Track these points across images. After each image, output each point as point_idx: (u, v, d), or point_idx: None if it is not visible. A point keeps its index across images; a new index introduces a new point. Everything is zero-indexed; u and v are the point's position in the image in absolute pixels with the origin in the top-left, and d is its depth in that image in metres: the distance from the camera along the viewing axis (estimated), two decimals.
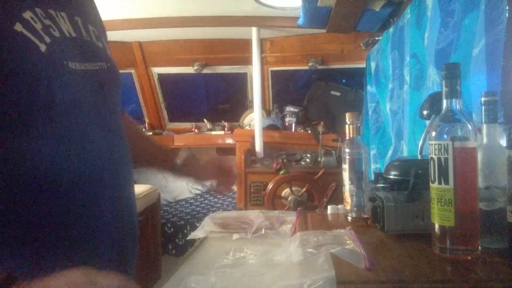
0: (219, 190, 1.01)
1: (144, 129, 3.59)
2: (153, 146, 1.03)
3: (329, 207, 1.17)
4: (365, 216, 1.00)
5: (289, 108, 3.19)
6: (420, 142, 1.10)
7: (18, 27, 0.57)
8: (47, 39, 0.61)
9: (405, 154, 1.75)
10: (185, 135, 3.58)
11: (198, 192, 3.79)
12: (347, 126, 1.05)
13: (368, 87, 2.56)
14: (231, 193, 1.03)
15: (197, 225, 1.35)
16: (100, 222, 0.68)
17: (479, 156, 0.73)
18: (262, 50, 2.97)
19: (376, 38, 2.37)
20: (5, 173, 0.58)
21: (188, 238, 0.99)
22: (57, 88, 0.61)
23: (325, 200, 2.43)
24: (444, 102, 0.71)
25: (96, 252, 0.68)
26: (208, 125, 3.63)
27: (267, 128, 2.98)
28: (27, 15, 0.60)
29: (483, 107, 0.76)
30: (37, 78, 0.59)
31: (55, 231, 0.62)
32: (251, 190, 2.73)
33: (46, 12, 0.64)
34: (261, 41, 2.91)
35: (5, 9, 0.57)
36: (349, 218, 1.02)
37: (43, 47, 0.60)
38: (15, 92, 0.58)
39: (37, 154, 0.60)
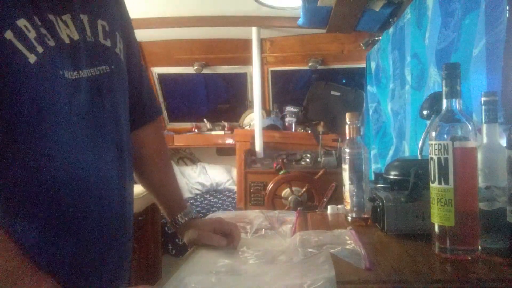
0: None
1: None
2: (170, 184, 0.94)
3: (329, 207, 1.17)
4: (365, 216, 1.00)
5: (289, 108, 3.19)
6: (420, 142, 1.10)
7: (8, 35, 0.56)
8: (39, 49, 0.59)
9: (406, 154, 1.75)
10: (185, 135, 3.58)
11: (198, 192, 3.80)
12: (347, 126, 1.05)
13: (369, 87, 2.56)
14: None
15: None
16: (85, 235, 0.68)
17: (479, 156, 0.73)
18: (262, 50, 2.97)
19: (376, 38, 2.37)
20: None
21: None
22: (45, 101, 0.60)
23: (325, 200, 2.43)
24: (444, 102, 0.71)
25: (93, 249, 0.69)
26: (208, 125, 3.63)
27: (267, 128, 2.98)
28: (21, 23, 0.58)
29: (483, 107, 0.76)
30: (23, 90, 0.58)
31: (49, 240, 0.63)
32: (251, 190, 2.73)
33: (45, 18, 0.62)
34: (261, 41, 2.91)
35: None
36: (349, 218, 1.02)
37: (32, 58, 0.58)
38: (1, 102, 0.57)
39: (23, 169, 0.60)
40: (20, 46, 0.57)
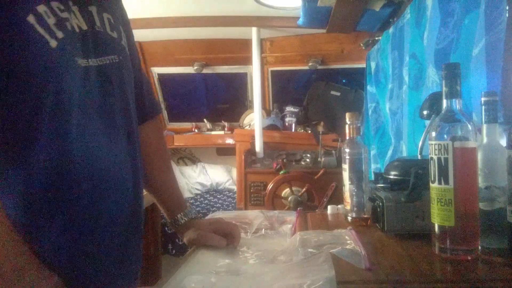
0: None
1: None
2: (170, 183, 0.94)
3: (329, 207, 1.17)
4: (365, 216, 1.00)
5: (289, 108, 3.19)
6: (420, 142, 1.10)
7: (31, 18, 0.57)
8: (60, 35, 0.60)
9: (404, 154, 1.75)
10: (185, 135, 3.58)
11: (198, 192, 3.79)
12: (347, 126, 1.05)
13: (368, 87, 2.56)
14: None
15: None
16: (101, 218, 0.68)
17: (479, 156, 0.72)
18: (262, 50, 2.97)
19: (376, 38, 2.37)
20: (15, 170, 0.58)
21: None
22: (66, 86, 0.61)
23: (325, 200, 2.43)
24: (444, 102, 0.71)
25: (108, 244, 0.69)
26: (208, 125, 3.63)
27: (267, 128, 2.98)
28: (41, 9, 0.59)
29: (483, 107, 0.76)
30: (47, 75, 0.59)
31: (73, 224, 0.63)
32: (251, 190, 2.73)
33: (66, 4, 0.63)
34: (261, 41, 2.91)
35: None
36: (349, 218, 1.02)
37: (53, 43, 0.59)
38: (25, 87, 0.57)
39: (42, 153, 0.60)
40: (41, 30, 0.58)
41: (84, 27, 0.67)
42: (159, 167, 0.93)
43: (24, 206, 0.59)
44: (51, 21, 0.60)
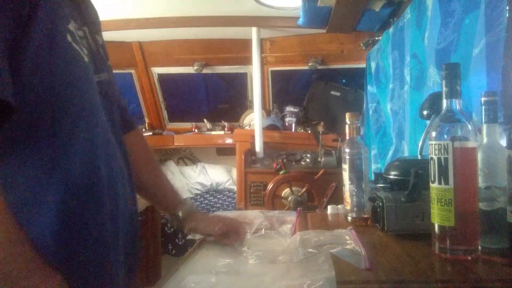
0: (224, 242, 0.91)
1: (144, 129, 3.60)
2: (162, 183, 0.97)
3: (329, 207, 1.17)
4: (365, 216, 1.00)
5: (289, 108, 3.19)
6: (420, 142, 1.10)
7: (69, 37, 0.62)
8: (85, 51, 0.66)
9: (406, 154, 1.75)
10: (185, 135, 3.58)
11: (198, 192, 3.80)
12: (347, 126, 1.05)
13: (369, 87, 2.56)
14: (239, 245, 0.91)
15: None
16: (117, 221, 0.70)
17: (479, 156, 0.73)
18: (262, 50, 2.96)
19: (376, 38, 2.37)
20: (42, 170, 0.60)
21: (188, 238, 0.98)
22: (94, 97, 0.66)
23: (325, 200, 2.43)
24: (444, 102, 0.71)
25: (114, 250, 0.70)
26: (208, 125, 3.63)
27: (267, 128, 2.98)
28: (72, 26, 0.64)
29: (483, 107, 0.76)
30: (85, 87, 0.64)
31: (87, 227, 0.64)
32: (251, 190, 2.73)
33: (78, 23, 0.68)
34: (261, 41, 2.91)
35: (59, 18, 0.61)
36: (349, 218, 1.02)
37: (86, 58, 0.65)
38: (68, 100, 0.61)
39: (78, 160, 0.62)
40: (77, 47, 0.63)
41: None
42: (149, 171, 0.96)
43: (60, 212, 0.60)
44: (78, 38, 0.65)
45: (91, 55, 0.70)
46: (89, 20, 0.75)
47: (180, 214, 0.92)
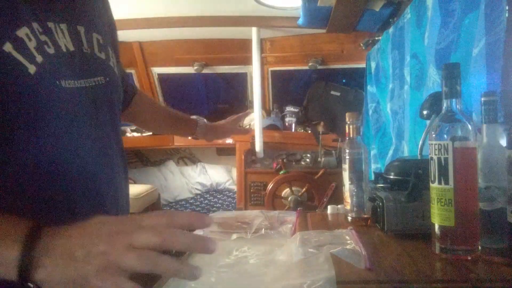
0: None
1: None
2: (172, 116, 1.20)
3: (329, 207, 1.17)
4: (365, 216, 1.00)
5: (289, 108, 3.19)
6: (420, 142, 1.10)
7: (8, 47, 0.55)
8: (39, 59, 0.59)
9: (406, 154, 1.75)
10: None
11: (198, 192, 3.80)
12: (347, 126, 1.05)
13: (369, 87, 2.56)
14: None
15: None
16: None
17: (479, 156, 0.73)
18: (262, 50, 2.97)
19: (376, 38, 2.37)
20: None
21: None
22: (47, 108, 0.60)
23: (325, 200, 2.44)
24: (444, 102, 0.71)
25: None
26: None
27: (267, 128, 2.98)
28: (22, 32, 0.57)
29: (483, 107, 0.76)
30: (22, 100, 0.58)
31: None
32: (251, 190, 2.73)
33: (45, 26, 0.62)
34: (261, 41, 2.91)
35: None
36: (349, 218, 1.02)
37: (32, 69, 0.58)
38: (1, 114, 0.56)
39: (26, 169, 0.59)
40: (20, 57, 0.57)
41: (71, 47, 0.66)
42: (159, 108, 1.23)
43: None
44: (32, 44, 0.58)
45: (70, 58, 0.65)
46: (84, 17, 0.70)
47: (198, 135, 1.22)
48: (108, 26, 0.81)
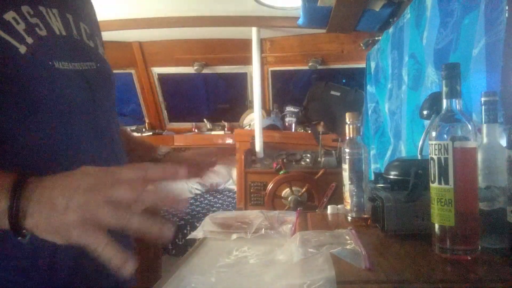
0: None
1: (144, 129, 3.60)
2: (134, 142, 1.01)
3: (329, 207, 1.17)
4: (365, 216, 1.00)
5: (289, 108, 3.19)
6: (420, 142, 1.10)
7: None
8: (29, 40, 0.60)
9: (403, 154, 1.75)
10: (185, 135, 3.58)
11: (198, 192, 3.80)
12: (347, 126, 1.05)
13: (368, 87, 2.56)
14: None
15: (197, 225, 1.36)
16: None
17: (479, 156, 0.73)
18: (262, 50, 2.97)
19: (376, 38, 2.37)
20: None
21: (188, 238, 0.98)
22: (41, 88, 0.61)
23: (325, 200, 2.43)
24: (444, 102, 0.71)
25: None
26: (208, 125, 3.63)
27: (267, 128, 2.98)
28: (9, 16, 0.58)
29: (483, 107, 0.76)
30: (17, 80, 0.58)
31: None
32: (251, 190, 2.73)
33: (36, 9, 0.63)
34: (261, 41, 2.91)
35: None
36: (349, 218, 1.02)
37: (22, 49, 0.59)
38: None
39: (21, 153, 0.60)
40: (8, 37, 0.58)
41: (64, 32, 0.68)
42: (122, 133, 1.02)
43: None
44: (20, 27, 0.59)
45: (63, 41, 0.66)
46: (71, 6, 0.72)
47: (159, 155, 0.96)
48: (96, 24, 0.82)
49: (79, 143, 0.66)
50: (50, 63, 0.63)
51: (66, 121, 0.64)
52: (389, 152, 2.06)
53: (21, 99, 0.59)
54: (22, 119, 0.59)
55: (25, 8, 0.61)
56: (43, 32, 0.63)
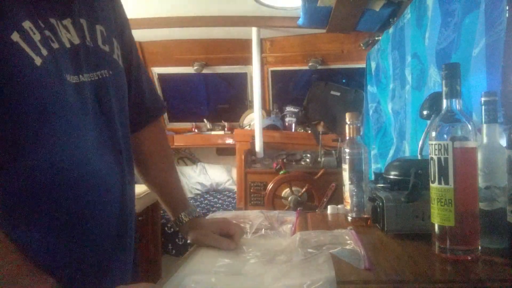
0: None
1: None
2: (170, 184, 0.95)
3: (329, 207, 1.17)
4: (365, 216, 1.00)
5: (289, 108, 3.19)
6: (420, 142, 1.10)
7: (15, 36, 0.56)
8: (44, 52, 0.59)
9: (407, 154, 1.75)
10: (185, 135, 3.58)
11: (198, 192, 3.79)
12: (347, 126, 1.05)
13: (369, 87, 2.56)
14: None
15: None
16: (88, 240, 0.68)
17: (479, 156, 0.72)
18: (262, 50, 2.97)
19: (376, 38, 2.37)
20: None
21: None
22: (50, 103, 0.60)
23: (325, 200, 2.44)
24: (444, 102, 0.71)
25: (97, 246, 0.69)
26: (208, 125, 3.63)
27: (267, 128, 2.99)
28: (27, 25, 0.58)
29: (483, 107, 0.76)
30: (28, 93, 0.58)
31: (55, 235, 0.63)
32: (251, 190, 2.73)
33: (47, 21, 0.62)
34: (261, 41, 2.91)
35: (4, 16, 0.55)
36: (349, 218, 1.02)
37: (38, 61, 0.58)
38: (6, 104, 0.57)
39: (26, 172, 0.60)
40: (26, 48, 0.57)
41: (77, 41, 0.67)
42: (162, 168, 0.95)
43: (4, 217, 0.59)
44: (36, 37, 0.58)
45: (75, 52, 0.65)
46: (88, 9, 0.70)
47: (183, 217, 0.90)
48: (115, 19, 0.80)
49: (87, 159, 0.66)
50: (63, 76, 0.62)
51: (75, 135, 0.64)
52: (391, 152, 2.06)
53: (31, 112, 0.59)
54: (30, 131, 0.59)
55: (39, 20, 0.60)
56: (55, 45, 0.62)
